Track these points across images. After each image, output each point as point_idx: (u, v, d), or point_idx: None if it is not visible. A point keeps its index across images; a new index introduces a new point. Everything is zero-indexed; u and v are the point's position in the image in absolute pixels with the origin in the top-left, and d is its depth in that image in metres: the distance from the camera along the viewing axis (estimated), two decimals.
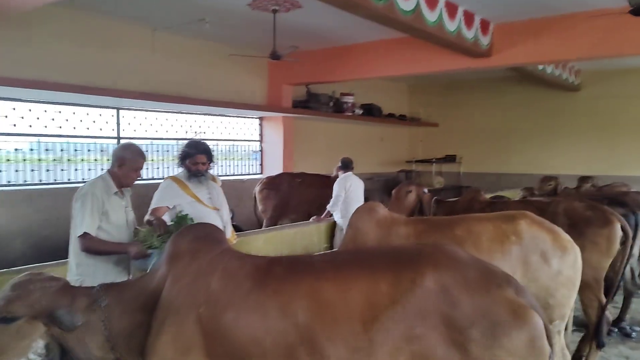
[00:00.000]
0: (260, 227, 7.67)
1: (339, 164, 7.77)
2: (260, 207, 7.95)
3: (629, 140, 12.38)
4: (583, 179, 8.18)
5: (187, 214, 3.75)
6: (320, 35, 8.70)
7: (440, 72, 9.39)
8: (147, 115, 8.66)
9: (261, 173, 10.56)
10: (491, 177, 13.78)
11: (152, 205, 4.12)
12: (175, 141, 9.09)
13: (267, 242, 5.64)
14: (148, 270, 3.07)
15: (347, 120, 11.78)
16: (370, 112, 12.37)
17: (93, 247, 3.45)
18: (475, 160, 14.33)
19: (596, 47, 7.29)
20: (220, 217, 4.29)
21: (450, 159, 14.41)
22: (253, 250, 5.37)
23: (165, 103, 8.26)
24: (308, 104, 10.68)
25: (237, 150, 10.40)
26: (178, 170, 4.50)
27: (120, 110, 8.20)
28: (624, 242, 4.43)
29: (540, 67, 10.17)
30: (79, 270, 3.54)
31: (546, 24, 7.58)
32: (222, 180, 8.01)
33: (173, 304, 2.07)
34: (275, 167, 10.31)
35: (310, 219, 6.68)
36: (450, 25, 6.93)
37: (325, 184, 7.71)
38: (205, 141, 4.47)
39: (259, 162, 10.76)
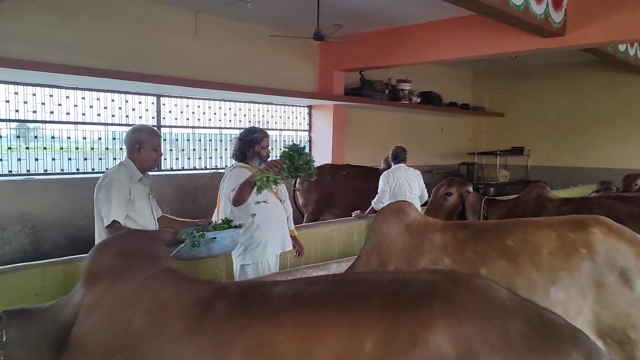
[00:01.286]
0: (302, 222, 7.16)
1: (389, 155, 7.15)
2: (301, 200, 7.41)
3: None
4: (633, 178, 6.79)
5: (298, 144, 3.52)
6: (371, 15, 8.04)
7: (507, 54, 8.46)
8: (188, 102, 8.32)
9: None
10: (563, 172, 12.64)
11: (230, 190, 3.76)
12: (218, 130, 8.73)
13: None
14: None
15: (404, 109, 11.04)
16: (429, 100, 11.56)
17: None
18: (545, 152, 13.19)
19: None
20: (285, 210, 4.21)
21: (517, 151, 13.35)
22: None
23: (209, 90, 7.87)
24: (361, 91, 10.05)
25: (285, 140, 9.93)
26: (229, 162, 4.29)
27: (160, 98, 7.90)
28: None
29: (622, 48, 9.05)
30: None
31: None
32: None
33: (83, 345, 1.53)
34: (324, 158, 9.75)
35: (352, 214, 6.09)
36: None
37: (372, 176, 7.10)
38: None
39: None
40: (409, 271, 2.08)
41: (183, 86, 7.41)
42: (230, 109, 8.94)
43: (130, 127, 3.66)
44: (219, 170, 9.02)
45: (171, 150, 8.41)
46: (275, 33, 8.05)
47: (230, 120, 8.94)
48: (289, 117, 9.92)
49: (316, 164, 4.06)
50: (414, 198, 6.14)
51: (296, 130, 10.15)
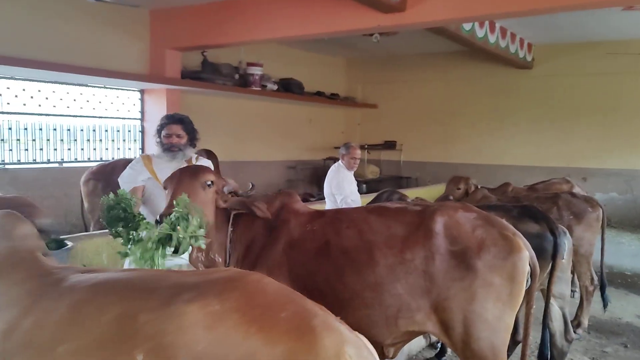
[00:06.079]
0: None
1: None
2: (86, 204, 5.95)
3: (586, 126, 10.74)
4: (455, 181, 6.00)
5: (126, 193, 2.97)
6: None
7: (351, 32, 7.47)
8: None
9: None
10: (433, 167, 12.06)
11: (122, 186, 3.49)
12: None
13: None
14: None
15: (258, 97, 9.84)
16: (289, 88, 10.47)
17: None
18: (416, 147, 12.55)
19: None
20: None
21: (390, 145, 12.63)
22: None
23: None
24: (201, 74, 8.75)
25: (114, 129, 8.48)
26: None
27: None
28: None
29: (481, 34, 8.40)
30: None
31: None
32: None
33: None
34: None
35: None
36: None
37: None
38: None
39: (139, 145, 8.81)
40: None
41: None
42: (39, 91, 7.41)
43: None
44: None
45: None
46: None
47: (54, 106, 7.55)
48: (112, 103, 8.40)
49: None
50: None
51: (126, 118, 8.67)
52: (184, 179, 2.84)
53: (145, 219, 2.88)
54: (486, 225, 2.60)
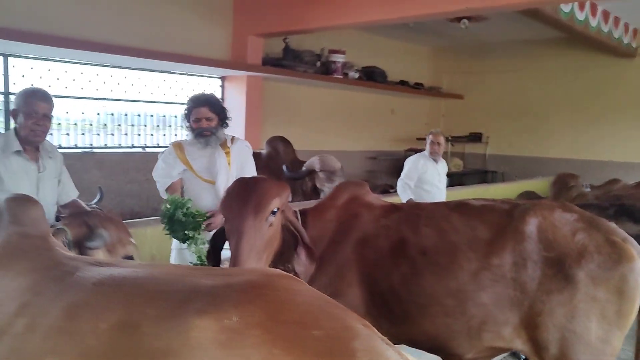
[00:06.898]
0: None
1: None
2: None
3: None
4: (563, 179, 5.50)
5: (178, 197, 3.11)
6: None
7: (434, 16, 7.05)
8: (56, 66, 6.91)
9: None
10: (522, 162, 11.36)
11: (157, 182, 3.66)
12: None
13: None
14: None
15: (339, 85, 9.63)
16: (372, 76, 10.17)
17: None
18: (504, 140, 11.86)
19: None
20: (215, 193, 3.46)
21: (475, 137, 12.01)
22: None
23: (87, 52, 6.50)
24: (283, 61, 8.66)
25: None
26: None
27: (8, 58, 6.47)
28: None
29: (581, 17, 7.69)
30: None
31: None
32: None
33: None
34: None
35: None
36: None
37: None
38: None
39: None
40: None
41: (36, 44, 6.02)
42: (126, 77, 7.61)
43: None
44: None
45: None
46: None
47: (138, 92, 7.79)
48: (193, 90, 8.50)
49: None
50: None
51: None
52: (246, 219, 2.10)
53: (207, 214, 2.89)
54: (589, 228, 2.24)
